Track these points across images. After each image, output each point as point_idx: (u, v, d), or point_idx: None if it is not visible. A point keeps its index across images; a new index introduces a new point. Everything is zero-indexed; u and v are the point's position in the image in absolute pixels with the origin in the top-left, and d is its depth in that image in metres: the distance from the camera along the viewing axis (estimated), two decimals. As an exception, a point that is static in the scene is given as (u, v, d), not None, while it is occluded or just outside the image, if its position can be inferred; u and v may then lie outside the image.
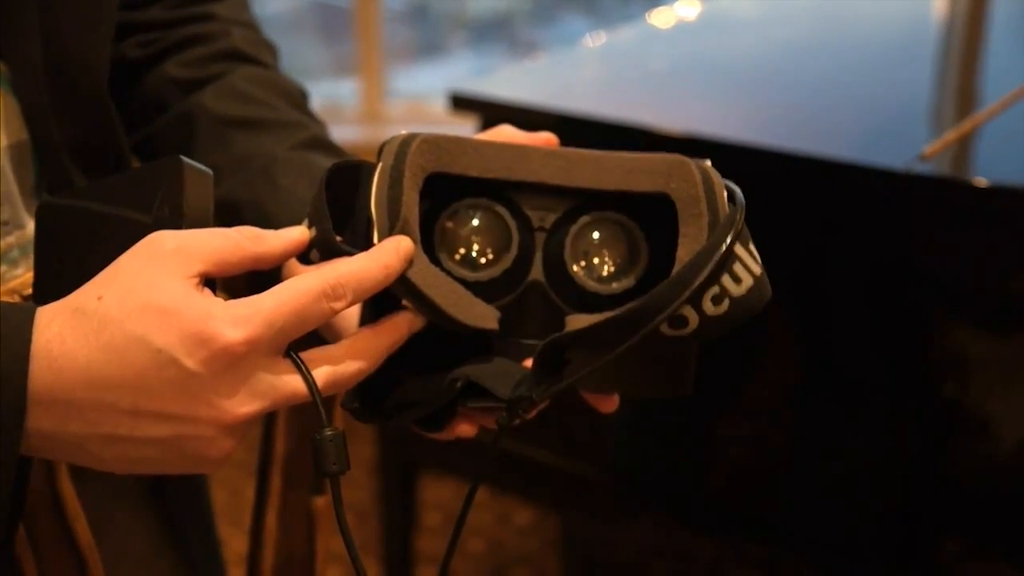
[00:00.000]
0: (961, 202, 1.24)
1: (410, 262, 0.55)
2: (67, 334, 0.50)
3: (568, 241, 0.60)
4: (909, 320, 1.29)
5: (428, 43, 3.63)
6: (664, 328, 0.53)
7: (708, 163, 0.59)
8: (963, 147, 1.37)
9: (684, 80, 1.74)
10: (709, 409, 1.43)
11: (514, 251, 0.60)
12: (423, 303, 0.56)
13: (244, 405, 0.51)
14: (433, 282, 0.56)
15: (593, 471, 1.50)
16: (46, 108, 0.65)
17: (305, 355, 0.53)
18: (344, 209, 0.58)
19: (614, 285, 0.60)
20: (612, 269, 0.61)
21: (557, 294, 0.60)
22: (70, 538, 0.67)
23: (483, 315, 0.58)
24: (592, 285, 0.60)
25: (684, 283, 0.52)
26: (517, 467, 1.52)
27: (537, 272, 0.61)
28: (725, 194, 0.58)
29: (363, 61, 3.06)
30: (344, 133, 2.81)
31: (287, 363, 0.52)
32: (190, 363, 0.49)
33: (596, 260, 0.61)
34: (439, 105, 2.28)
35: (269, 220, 0.70)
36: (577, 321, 0.58)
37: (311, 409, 0.53)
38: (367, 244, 0.55)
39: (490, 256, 0.60)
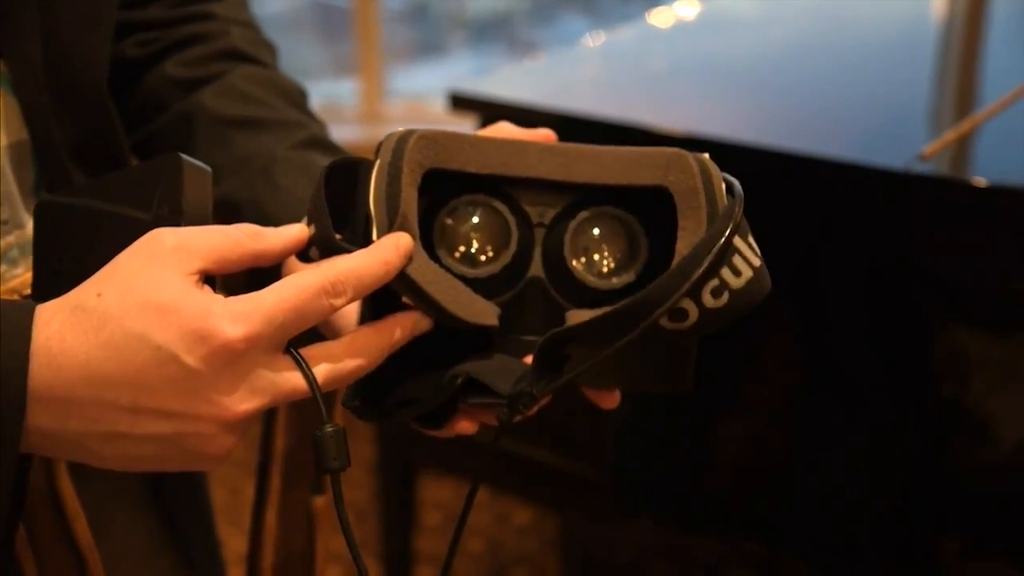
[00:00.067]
0: (961, 202, 1.24)
1: (409, 258, 0.55)
2: (67, 331, 0.50)
3: (567, 237, 0.60)
4: (909, 320, 1.29)
5: (427, 43, 3.63)
6: (664, 321, 0.53)
7: (706, 156, 0.59)
8: (962, 147, 1.37)
9: (684, 80, 1.74)
10: (709, 409, 1.43)
11: (513, 247, 0.60)
12: (423, 299, 0.56)
13: (244, 402, 0.51)
14: (433, 278, 0.56)
15: (593, 471, 1.50)
16: (46, 108, 0.65)
17: (305, 351, 0.53)
18: (343, 207, 0.58)
19: (614, 280, 0.60)
20: (612, 264, 0.61)
21: (557, 290, 0.60)
22: (70, 538, 0.67)
23: (483, 312, 0.58)
24: (592, 280, 0.60)
25: (683, 276, 0.52)
26: (516, 467, 1.52)
27: (537, 268, 0.60)
28: (724, 186, 0.58)
29: (362, 61, 3.06)
30: (344, 133, 2.81)
31: (287, 359, 0.52)
32: (190, 360, 0.49)
33: (596, 255, 0.61)
34: (439, 105, 2.27)
35: (269, 220, 0.70)
36: (577, 317, 0.58)
37: (311, 406, 0.53)
38: (366, 241, 0.55)
39: (489, 252, 0.60)
